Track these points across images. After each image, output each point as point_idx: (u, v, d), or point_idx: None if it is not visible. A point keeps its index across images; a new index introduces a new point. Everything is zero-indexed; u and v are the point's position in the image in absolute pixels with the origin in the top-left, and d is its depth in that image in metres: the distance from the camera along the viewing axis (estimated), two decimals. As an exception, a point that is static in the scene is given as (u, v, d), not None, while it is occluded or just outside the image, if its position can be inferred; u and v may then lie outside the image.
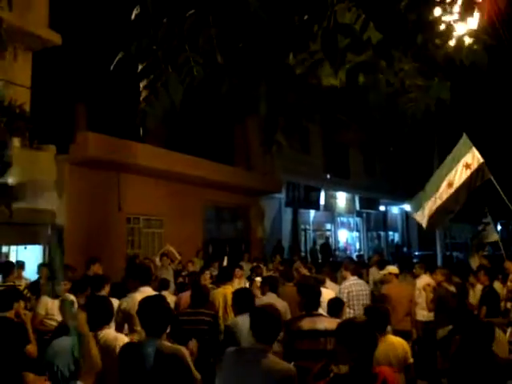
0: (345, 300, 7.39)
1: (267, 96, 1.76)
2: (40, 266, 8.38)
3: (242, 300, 5.22)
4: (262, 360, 3.26)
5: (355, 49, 1.74)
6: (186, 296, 6.60)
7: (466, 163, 8.74)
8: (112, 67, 2.06)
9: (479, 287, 7.95)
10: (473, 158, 8.68)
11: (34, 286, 7.45)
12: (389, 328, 4.79)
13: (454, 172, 8.86)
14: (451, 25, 1.86)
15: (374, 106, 1.94)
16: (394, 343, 4.41)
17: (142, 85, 2.01)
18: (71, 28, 11.41)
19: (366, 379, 2.97)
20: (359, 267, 8.74)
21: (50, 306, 6.43)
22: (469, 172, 8.68)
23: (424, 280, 8.50)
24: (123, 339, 3.86)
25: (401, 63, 1.88)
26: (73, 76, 12.28)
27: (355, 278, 7.68)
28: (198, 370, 3.58)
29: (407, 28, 1.75)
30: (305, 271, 9.95)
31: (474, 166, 8.62)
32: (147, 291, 5.28)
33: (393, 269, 8.03)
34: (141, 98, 2.02)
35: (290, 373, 3.27)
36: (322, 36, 1.70)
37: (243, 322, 4.90)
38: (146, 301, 3.70)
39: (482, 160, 8.58)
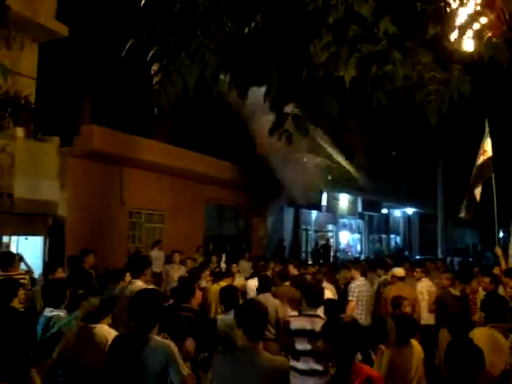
0: (354, 299, 7.46)
1: (278, 81, 1.72)
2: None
3: (228, 297, 5.20)
4: (256, 359, 3.24)
5: (367, 39, 1.71)
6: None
7: (483, 149, 8.64)
8: (123, 54, 2.03)
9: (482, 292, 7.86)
10: (488, 145, 8.58)
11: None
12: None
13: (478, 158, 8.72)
14: (468, 17, 1.82)
15: (387, 98, 1.90)
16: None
17: (154, 68, 1.99)
18: (78, 20, 11.37)
19: (347, 377, 3.00)
20: (366, 269, 8.73)
21: None
22: (482, 159, 8.59)
23: (424, 283, 8.42)
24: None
25: (418, 55, 1.84)
26: (78, 68, 12.25)
27: (363, 279, 7.73)
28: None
29: (423, 20, 1.71)
30: (294, 271, 9.95)
31: (487, 155, 8.52)
32: (136, 285, 5.24)
33: (397, 271, 7.97)
34: (153, 82, 1.99)
35: (284, 367, 3.27)
36: (334, 25, 1.67)
37: (223, 321, 4.93)
38: (137, 295, 3.69)
39: (491, 154, 8.47)
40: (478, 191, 8.68)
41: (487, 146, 8.63)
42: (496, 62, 1.88)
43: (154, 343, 3.40)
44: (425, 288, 8.35)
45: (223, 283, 6.93)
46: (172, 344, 3.48)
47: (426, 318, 8.01)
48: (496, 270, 8.50)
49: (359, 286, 7.63)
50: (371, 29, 1.69)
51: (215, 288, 6.86)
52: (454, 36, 1.83)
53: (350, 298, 7.52)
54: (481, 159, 8.67)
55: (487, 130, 8.77)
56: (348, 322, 3.29)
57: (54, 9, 10.87)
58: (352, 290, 7.60)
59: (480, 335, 4.99)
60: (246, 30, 1.70)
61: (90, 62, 12.33)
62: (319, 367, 4.60)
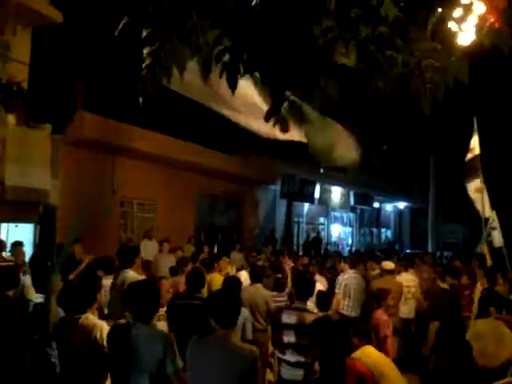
0: (340, 292, 7.46)
1: (278, 66, 1.70)
2: (15, 245, 8.05)
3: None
4: (225, 347, 3.27)
5: (369, 21, 1.69)
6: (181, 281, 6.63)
7: (469, 146, 8.66)
8: (117, 32, 1.99)
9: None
10: (474, 142, 8.60)
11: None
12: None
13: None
14: (471, 2, 1.80)
15: (388, 82, 1.88)
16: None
17: (145, 51, 1.95)
18: (73, 6, 11.24)
19: (337, 376, 2.95)
20: (357, 261, 8.75)
21: None
22: (470, 155, 8.61)
23: (404, 277, 8.41)
24: (102, 326, 3.81)
25: (417, 42, 1.82)
26: (72, 55, 12.13)
27: (353, 271, 7.73)
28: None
29: (425, 2, 1.69)
30: (289, 262, 9.99)
31: (474, 152, 8.54)
32: (128, 273, 5.28)
33: (387, 264, 8.00)
34: (143, 65, 1.96)
35: (252, 356, 3.27)
36: (336, 7, 1.65)
37: None
38: (133, 285, 3.68)
39: (478, 151, 8.49)
40: (471, 186, 8.68)
41: (475, 143, 8.67)
42: (495, 51, 1.87)
43: (152, 333, 3.41)
44: (404, 282, 8.33)
45: (214, 274, 6.98)
46: (170, 335, 3.51)
47: (406, 311, 8.04)
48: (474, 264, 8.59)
49: (346, 279, 7.60)
50: (373, 12, 1.67)
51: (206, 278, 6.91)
52: (454, 23, 1.82)
53: (336, 291, 7.53)
54: (468, 156, 8.73)
55: (475, 127, 8.80)
56: (335, 322, 3.22)
57: (47, -6, 10.74)
58: (339, 282, 7.58)
59: (484, 326, 5.02)
60: (244, 11, 1.68)
61: (83, 49, 12.21)
62: (304, 359, 4.62)
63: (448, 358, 4.10)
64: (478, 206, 8.58)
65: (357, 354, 3.85)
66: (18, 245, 7.95)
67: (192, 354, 3.37)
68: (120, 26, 1.94)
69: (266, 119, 1.74)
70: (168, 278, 7.05)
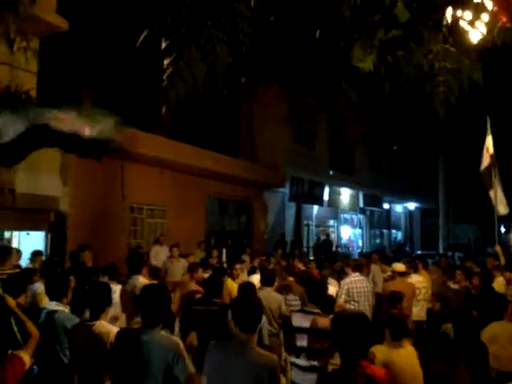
0: (344, 296, 7.37)
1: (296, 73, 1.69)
2: (35, 254, 8.28)
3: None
4: (245, 353, 3.25)
5: (386, 24, 1.67)
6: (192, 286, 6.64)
7: (486, 146, 8.53)
8: (137, 45, 2.00)
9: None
10: (488, 143, 8.47)
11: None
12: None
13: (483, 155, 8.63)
14: (483, 1, 1.79)
15: (407, 80, 1.86)
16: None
17: (165, 62, 1.96)
18: (79, 14, 11.30)
19: (350, 376, 2.91)
20: (361, 264, 8.66)
21: None
22: (486, 159, 8.49)
23: (414, 279, 8.32)
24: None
25: (430, 45, 1.80)
26: (79, 63, 12.20)
27: (357, 274, 7.61)
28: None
29: (436, 4, 1.68)
30: (300, 265, 9.94)
31: (490, 152, 8.42)
32: (138, 280, 5.30)
33: (398, 266, 7.93)
34: (164, 76, 1.96)
35: (273, 364, 3.24)
36: (352, 12, 1.64)
37: None
38: (145, 289, 3.66)
39: (492, 151, 8.37)
40: (494, 191, 8.52)
41: (489, 143, 8.54)
42: (506, 51, 1.86)
43: (161, 339, 3.39)
44: (414, 284, 8.24)
45: (228, 279, 6.98)
46: (179, 341, 3.48)
47: (417, 313, 7.96)
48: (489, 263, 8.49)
49: (348, 282, 7.44)
50: (388, 15, 1.65)
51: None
52: (466, 24, 1.80)
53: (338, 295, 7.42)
54: (486, 159, 8.57)
55: (488, 127, 8.68)
56: (350, 317, 3.18)
57: (54, 2, 10.80)
58: (341, 286, 7.46)
59: (499, 329, 4.92)
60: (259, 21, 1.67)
61: (91, 57, 12.27)
62: (317, 363, 4.59)
63: (442, 361, 4.03)
64: (495, 204, 8.47)
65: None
66: (38, 254, 8.29)
67: (211, 357, 3.34)
68: (140, 39, 1.95)
69: (291, 120, 1.74)
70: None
